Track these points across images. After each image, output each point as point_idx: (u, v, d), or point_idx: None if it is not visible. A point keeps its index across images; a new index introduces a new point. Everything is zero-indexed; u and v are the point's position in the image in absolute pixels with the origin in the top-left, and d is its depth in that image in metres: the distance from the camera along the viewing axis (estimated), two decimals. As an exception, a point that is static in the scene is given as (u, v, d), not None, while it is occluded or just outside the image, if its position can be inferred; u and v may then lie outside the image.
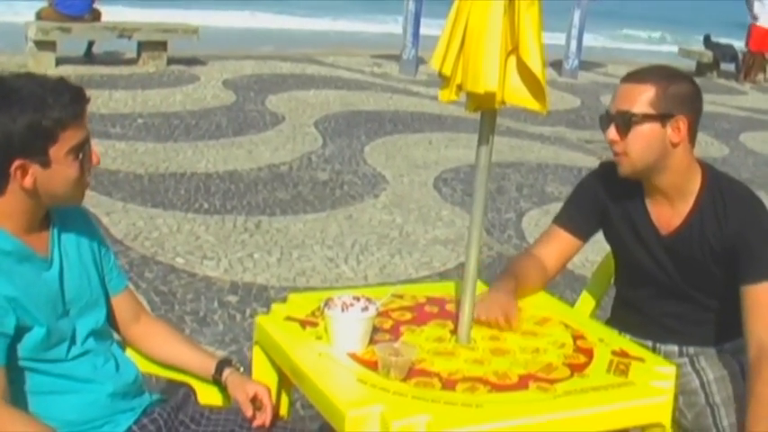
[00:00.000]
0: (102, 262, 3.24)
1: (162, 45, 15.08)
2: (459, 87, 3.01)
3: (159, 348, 3.38)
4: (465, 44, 2.94)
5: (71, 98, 2.88)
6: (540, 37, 2.93)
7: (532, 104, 3.00)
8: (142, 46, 15.02)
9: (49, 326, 2.92)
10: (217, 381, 3.29)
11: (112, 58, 15.39)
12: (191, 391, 3.34)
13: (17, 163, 2.81)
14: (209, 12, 30.32)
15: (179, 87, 13.50)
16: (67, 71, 13.74)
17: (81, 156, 2.91)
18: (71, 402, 2.98)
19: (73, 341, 3.03)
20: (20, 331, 2.83)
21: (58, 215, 3.07)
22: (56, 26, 14.17)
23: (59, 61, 14.14)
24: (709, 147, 13.14)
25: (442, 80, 3.06)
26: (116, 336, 3.33)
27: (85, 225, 3.22)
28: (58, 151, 2.85)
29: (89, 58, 15.24)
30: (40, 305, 2.91)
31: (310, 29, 29.99)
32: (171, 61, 15.08)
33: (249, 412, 3.14)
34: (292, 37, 25.52)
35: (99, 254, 3.23)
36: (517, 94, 2.99)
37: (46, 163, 2.84)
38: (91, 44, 15.39)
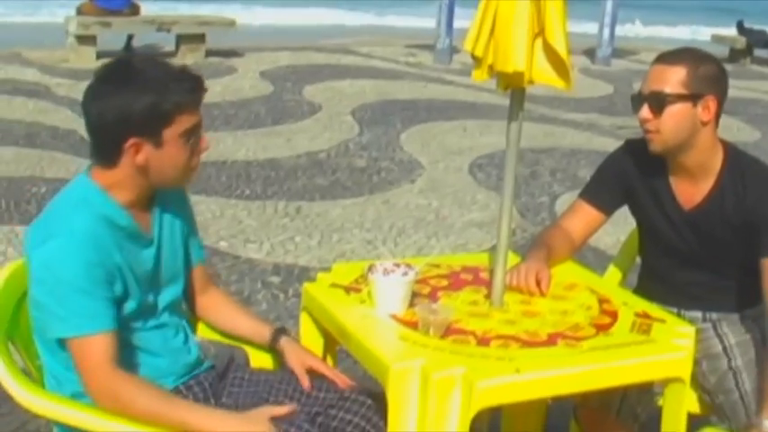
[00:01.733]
0: (188, 237, 3.41)
1: (200, 38, 15.31)
2: (491, 68, 3.24)
3: (223, 318, 3.56)
4: (495, 28, 3.17)
5: (191, 85, 3.04)
6: (564, 21, 3.16)
7: (558, 83, 3.22)
8: (181, 39, 15.26)
9: (140, 299, 3.11)
10: (273, 348, 3.47)
11: (152, 52, 15.61)
12: (235, 356, 3.54)
13: (132, 140, 2.96)
14: (249, 6, 30.38)
15: (217, 79, 13.67)
16: (108, 64, 13.99)
17: (192, 140, 3.07)
18: (138, 373, 3.12)
19: (152, 313, 3.22)
20: (118, 300, 3.01)
21: (159, 194, 3.22)
22: (96, 21, 14.44)
23: (100, 55, 14.34)
24: (741, 132, 13.19)
25: (475, 61, 3.29)
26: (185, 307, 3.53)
27: (182, 203, 3.38)
28: (171, 133, 3.00)
29: (129, 51, 15.43)
30: (137, 280, 3.09)
31: (353, 24, 29.92)
32: (209, 53, 15.28)
33: (306, 383, 3.34)
34: (334, 33, 25.61)
35: (189, 230, 3.41)
36: (544, 74, 3.21)
37: (159, 143, 2.99)
38: (130, 38, 15.62)
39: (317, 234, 7.75)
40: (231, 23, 15.97)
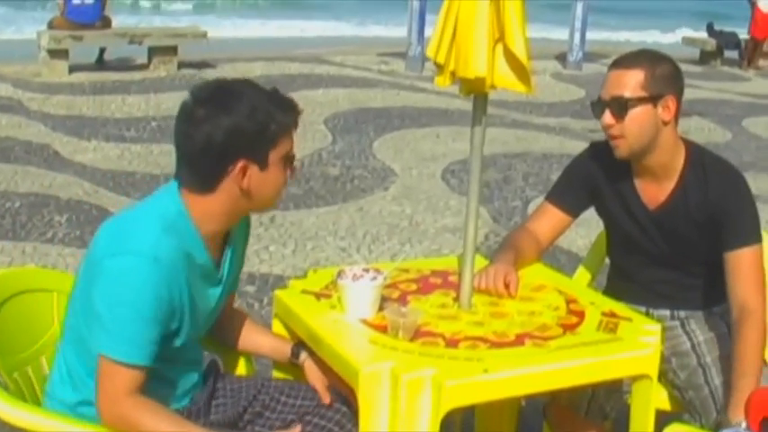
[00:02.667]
0: (241, 266, 3.41)
1: (172, 50, 15.23)
2: (453, 74, 3.29)
3: (244, 337, 3.54)
4: (456, 34, 3.23)
5: (289, 107, 3.08)
6: (523, 25, 3.21)
7: (519, 87, 3.28)
8: (153, 51, 15.16)
9: (187, 337, 3.08)
10: (293, 364, 3.48)
11: (124, 64, 15.54)
12: (217, 365, 3.52)
13: (241, 163, 2.94)
14: (224, 20, 30.23)
15: (191, 90, 13.61)
16: (80, 78, 13.96)
17: (289, 164, 3.09)
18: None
19: (191, 349, 3.18)
20: (168, 337, 2.98)
21: (233, 231, 3.20)
22: (67, 35, 14.36)
23: (72, 69, 14.33)
24: (713, 132, 13.29)
25: (437, 68, 3.35)
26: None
27: (247, 232, 3.37)
28: (275, 156, 3.01)
29: (101, 64, 15.41)
30: (194, 319, 3.07)
31: (331, 35, 29.71)
32: (181, 65, 15.22)
33: (327, 399, 3.36)
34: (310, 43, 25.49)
35: (243, 259, 3.41)
36: (505, 79, 3.27)
37: (265, 166, 2.99)
38: (102, 51, 15.54)
39: (291, 243, 7.78)
40: (203, 35, 15.94)
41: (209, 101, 2.97)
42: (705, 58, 21.29)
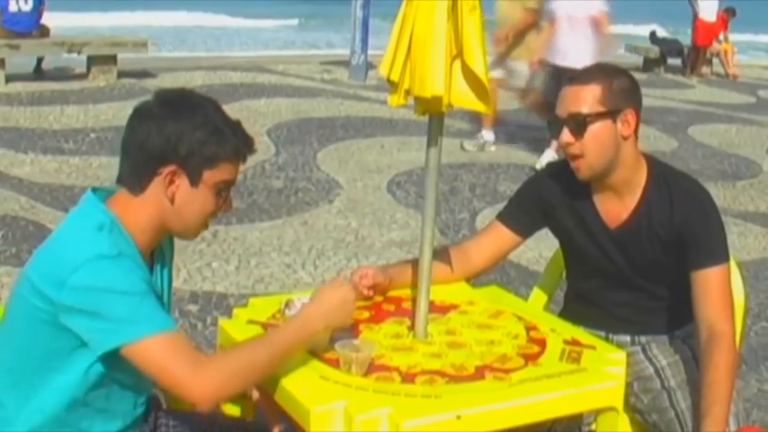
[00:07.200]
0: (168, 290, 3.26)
1: (112, 59, 15.07)
2: (408, 92, 3.13)
3: None
4: (411, 50, 3.06)
5: (245, 140, 2.97)
6: (482, 41, 3.05)
7: (478, 106, 3.12)
8: (92, 60, 14.99)
9: None
10: (247, 397, 3.36)
11: (62, 74, 15.37)
12: (159, 400, 3.34)
13: (172, 167, 2.86)
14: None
15: (130, 101, 13.32)
16: (18, 88, 13.74)
17: (223, 194, 2.97)
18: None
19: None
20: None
21: (158, 251, 3.09)
22: (4, 43, 14.15)
23: (9, 78, 14.11)
24: (658, 141, 13.29)
25: (391, 86, 3.17)
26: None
27: (171, 257, 3.23)
28: (210, 177, 2.91)
29: (39, 74, 15.23)
30: None
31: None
32: (121, 75, 15.05)
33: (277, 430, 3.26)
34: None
35: (170, 283, 3.26)
36: (463, 97, 3.11)
37: (195, 182, 2.90)
38: (40, 60, 15.37)
39: (234, 259, 7.61)
40: (143, 44, 15.76)
41: (166, 103, 2.93)
42: (648, 65, 21.39)
